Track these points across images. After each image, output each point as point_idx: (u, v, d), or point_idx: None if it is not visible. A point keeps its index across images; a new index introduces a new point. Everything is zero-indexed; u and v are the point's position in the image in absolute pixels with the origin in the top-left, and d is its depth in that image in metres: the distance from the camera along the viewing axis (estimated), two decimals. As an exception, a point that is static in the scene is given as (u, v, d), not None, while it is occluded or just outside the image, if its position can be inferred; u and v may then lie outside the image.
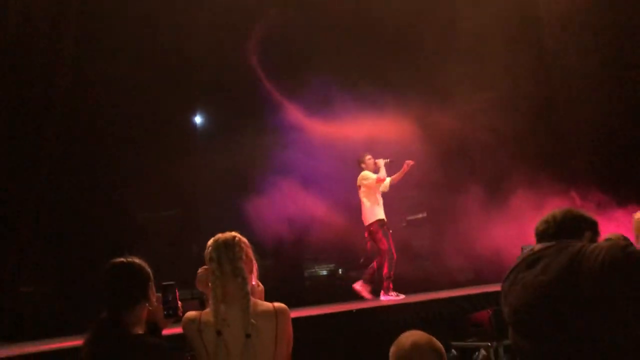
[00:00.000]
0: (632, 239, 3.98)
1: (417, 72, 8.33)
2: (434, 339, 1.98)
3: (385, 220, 6.98)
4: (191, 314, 2.47)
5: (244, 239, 2.63)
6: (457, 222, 8.19)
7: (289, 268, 8.60)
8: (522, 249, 3.90)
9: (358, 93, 8.03)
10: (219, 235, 2.61)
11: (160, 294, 2.57)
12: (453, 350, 5.28)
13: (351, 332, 5.39)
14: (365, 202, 7.00)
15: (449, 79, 8.16)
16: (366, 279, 7.07)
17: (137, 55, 7.13)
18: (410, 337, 1.98)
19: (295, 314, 5.70)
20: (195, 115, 8.30)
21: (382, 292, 6.94)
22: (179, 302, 2.59)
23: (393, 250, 6.86)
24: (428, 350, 1.93)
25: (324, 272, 9.35)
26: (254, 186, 7.70)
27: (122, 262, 2.43)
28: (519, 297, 2.16)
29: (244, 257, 2.53)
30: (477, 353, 5.06)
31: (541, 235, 2.31)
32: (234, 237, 2.59)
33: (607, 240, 3.37)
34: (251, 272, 2.60)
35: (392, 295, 6.82)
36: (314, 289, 8.97)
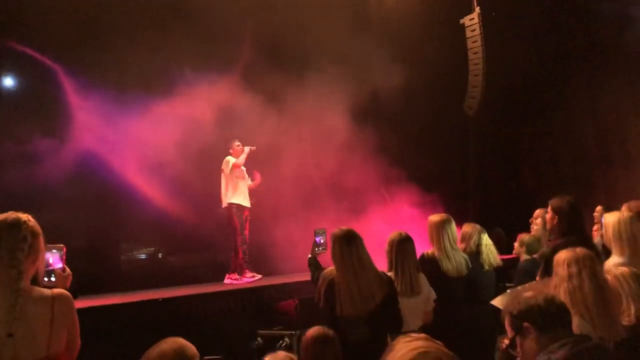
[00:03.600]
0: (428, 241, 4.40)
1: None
2: (186, 347, 1.94)
3: (242, 205, 7.23)
4: None
5: (34, 225, 2.37)
6: (281, 211, 8.30)
7: (104, 251, 8.07)
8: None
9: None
10: (5, 216, 2.34)
11: None
12: (258, 338, 5.36)
13: (159, 321, 5.24)
14: (222, 186, 7.26)
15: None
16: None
17: None
18: (161, 345, 1.93)
19: (106, 300, 5.47)
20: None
21: (227, 274, 7.14)
22: None
23: (245, 235, 7.22)
24: (174, 358, 1.87)
25: (143, 256, 8.95)
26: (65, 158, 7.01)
27: None
28: None
29: (26, 247, 2.30)
30: (281, 341, 5.19)
31: None
32: (22, 221, 2.33)
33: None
34: (34, 263, 2.36)
35: (233, 278, 7.06)
36: (131, 274, 8.52)
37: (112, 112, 7.28)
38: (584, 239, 3.63)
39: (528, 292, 2.31)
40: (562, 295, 2.56)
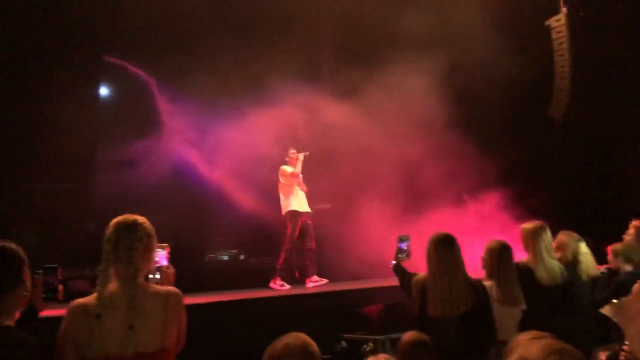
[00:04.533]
0: (522, 249, 4.31)
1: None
2: (310, 343, 1.95)
3: (300, 211, 7.30)
4: (78, 301, 2.40)
5: (149, 227, 2.56)
6: (361, 215, 8.33)
7: (189, 252, 8.42)
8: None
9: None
10: (124, 217, 2.53)
11: (40, 277, 2.47)
12: (343, 342, 5.39)
13: (245, 321, 5.39)
14: (281, 194, 7.37)
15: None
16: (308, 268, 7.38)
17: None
18: (286, 339, 1.95)
19: (192, 299, 5.70)
20: (99, 86, 7.91)
21: (271, 280, 7.25)
22: (60, 286, 2.52)
23: (288, 244, 7.24)
24: (299, 353, 1.90)
25: (226, 257, 9.26)
26: (158, 163, 7.41)
27: None
28: None
29: (142, 247, 2.47)
30: (365, 345, 5.20)
31: None
32: (138, 222, 2.52)
33: None
34: (148, 262, 2.55)
35: (277, 285, 7.17)
36: (214, 274, 8.84)
37: (202, 118, 7.60)
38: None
39: None
40: None
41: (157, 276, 2.78)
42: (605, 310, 3.21)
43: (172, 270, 2.78)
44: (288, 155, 7.42)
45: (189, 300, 5.64)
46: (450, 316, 3.43)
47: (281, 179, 7.33)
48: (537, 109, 9.76)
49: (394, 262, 4.07)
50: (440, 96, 8.51)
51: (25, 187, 7.40)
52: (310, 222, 7.44)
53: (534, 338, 1.39)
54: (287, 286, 7.18)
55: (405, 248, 4.08)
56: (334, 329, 5.47)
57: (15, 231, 6.93)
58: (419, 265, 3.77)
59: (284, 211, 7.34)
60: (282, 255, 7.26)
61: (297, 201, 7.32)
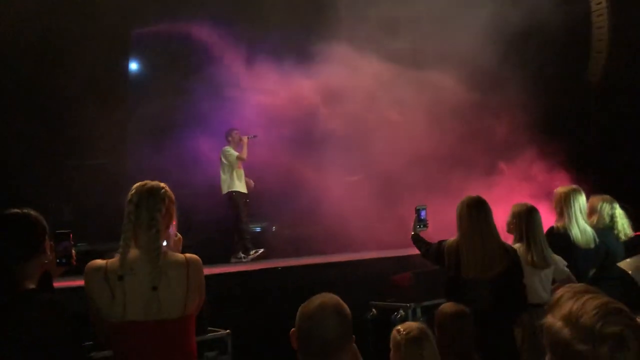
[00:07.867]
0: (554, 214, 4.23)
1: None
2: (342, 304, 1.96)
3: (241, 191, 7.42)
4: (96, 262, 2.41)
5: (170, 193, 2.57)
6: (393, 185, 8.24)
7: (222, 224, 8.52)
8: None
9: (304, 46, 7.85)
10: (146, 182, 2.54)
11: (52, 242, 2.49)
12: (373, 310, 5.41)
13: (276, 289, 5.47)
14: (222, 175, 7.41)
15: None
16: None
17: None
18: (320, 298, 1.96)
19: (224, 269, 5.80)
20: (128, 61, 7.96)
21: (232, 255, 7.40)
22: (73, 251, 2.54)
23: (242, 220, 7.46)
24: (332, 313, 1.91)
25: (258, 229, 9.32)
26: (188, 137, 7.47)
27: (17, 213, 2.28)
28: None
29: (164, 210, 2.47)
30: (396, 313, 5.20)
31: None
32: (161, 187, 2.53)
33: None
34: (167, 227, 2.56)
35: (238, 258, 7.33)
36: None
37: (232, 84, 7.55)
38: None
39: None
40: None
41: (164, 243, 2.80)
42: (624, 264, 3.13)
43: (179, 237, 2.79)
44: (231, 135, 7.40)
45: (222, 269, 5.80)
46: (483, 278, 3.45)
47: (224, 160, 7.34)
48: (573, 71, 9.40)
49: (412, 233, 4.06)
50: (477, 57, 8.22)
51: (61, 164, 7.58)
52: (248, 201, 7.58)
53: (584, 292, 1.26)
54: (260, 250, 7.40)
55: (423, 218, 4.06)
56: (363, 297, 5.48)
57: (53, 207, 7.12)
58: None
59: (224, 191, 7.41)
60: (243, 232, 7.44)
61: (238, 182, 7.39)
